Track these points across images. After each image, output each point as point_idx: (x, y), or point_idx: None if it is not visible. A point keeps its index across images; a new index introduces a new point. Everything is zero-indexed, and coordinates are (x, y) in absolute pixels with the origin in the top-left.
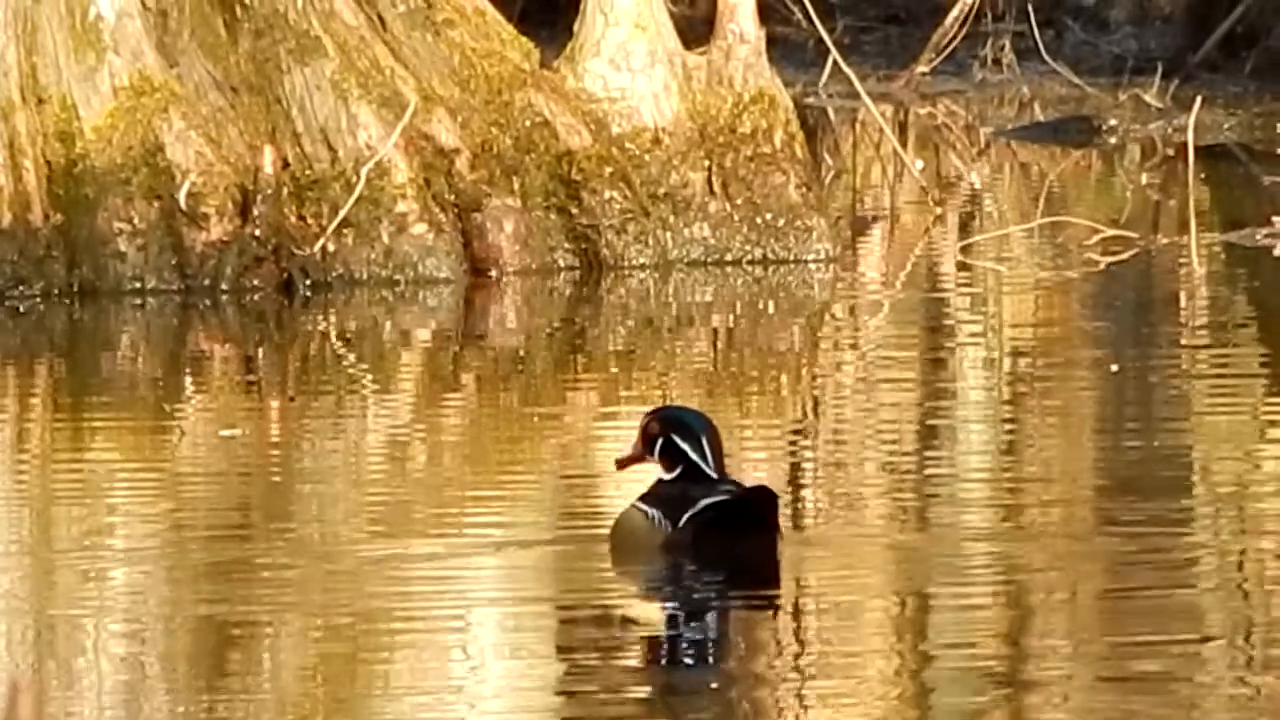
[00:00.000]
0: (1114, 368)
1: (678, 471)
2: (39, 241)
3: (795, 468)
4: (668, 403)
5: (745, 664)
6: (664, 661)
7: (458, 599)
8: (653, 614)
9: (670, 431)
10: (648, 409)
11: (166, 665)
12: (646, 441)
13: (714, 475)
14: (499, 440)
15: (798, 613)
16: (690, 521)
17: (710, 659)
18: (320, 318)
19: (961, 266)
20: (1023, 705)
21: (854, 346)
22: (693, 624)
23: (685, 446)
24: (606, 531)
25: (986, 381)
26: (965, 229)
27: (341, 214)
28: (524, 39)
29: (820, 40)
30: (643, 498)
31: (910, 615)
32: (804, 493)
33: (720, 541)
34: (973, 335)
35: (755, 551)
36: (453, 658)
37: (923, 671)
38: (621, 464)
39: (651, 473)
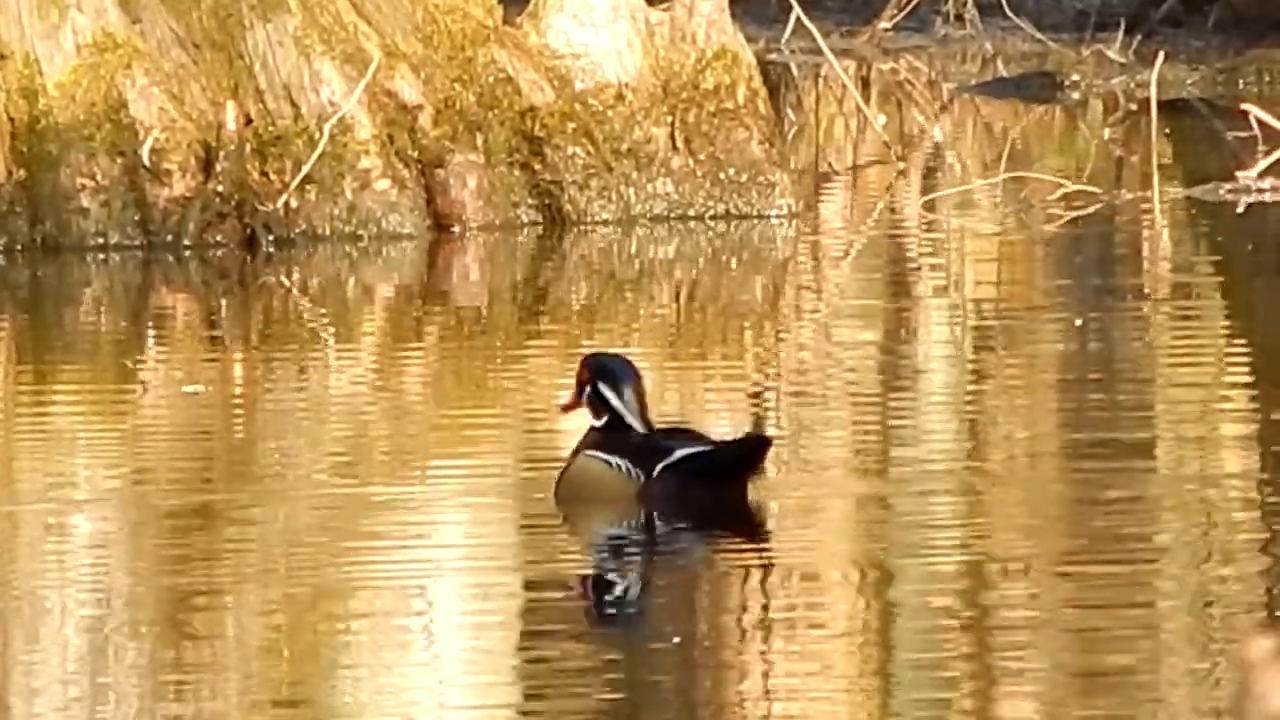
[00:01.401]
0: (1078, 321)
1: (604, 419)
2: (2, 198)
3: (758, 421)
4: (599, 349)
5: (707, 623)
6: (623, 621)
7: (422, 552)
8: (618, 572)
9: (596, 378)
10: (583, 360)
11: (130, 627)
12: (579, 387)
13: (638, 425)
14: (462, 395)
15: (764, 571)
16: (668, 471)
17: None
18: (283, 273)
19: (925, 222)
20: (988, 663)
21: (817, 301)
22: (654, 581)
23: (609, 394)
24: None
25: (950, 335)
26: (928, 184)
27: (304, 170)
28: None
29: None
30: (591, 445)
31: (873, 570)
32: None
33: (699, 490)
34: (936, 290)
35: (726, 497)
36: (414, 622)
37: (888, 628)
38: (563, 408)
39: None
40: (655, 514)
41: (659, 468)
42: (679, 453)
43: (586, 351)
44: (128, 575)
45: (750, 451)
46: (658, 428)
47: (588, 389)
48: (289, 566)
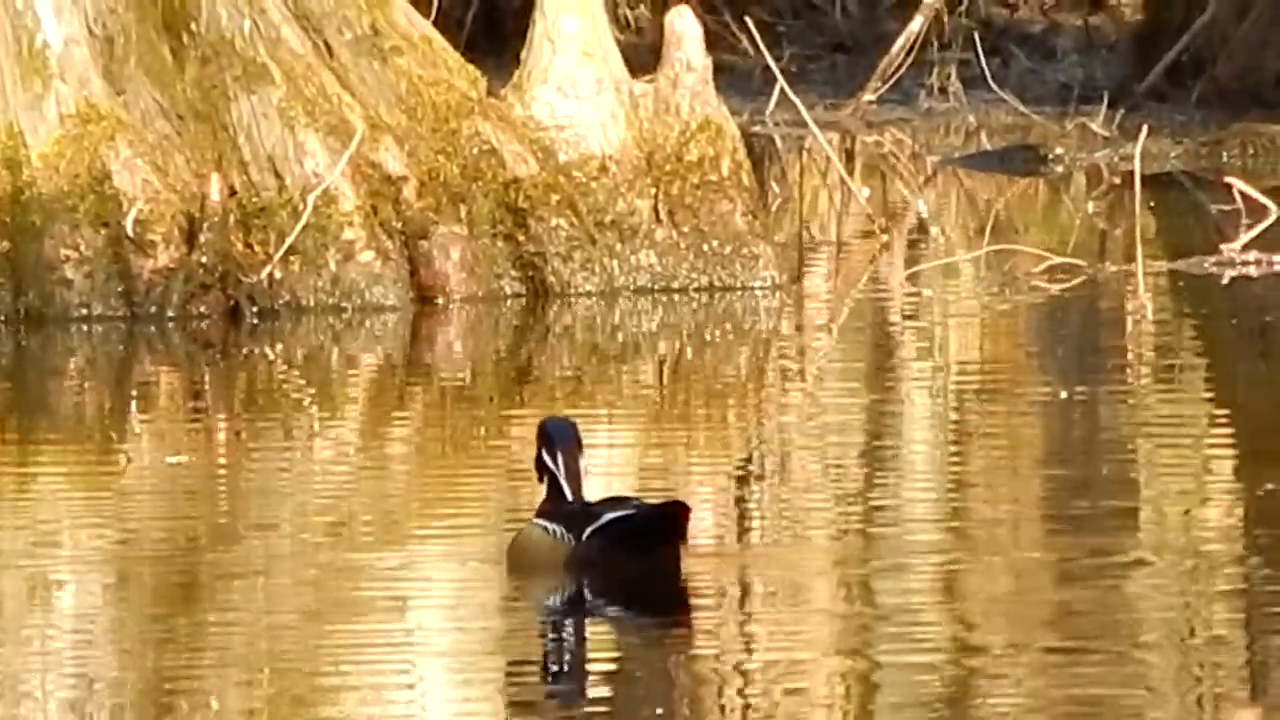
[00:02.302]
0: (1063, 394)
1: (546, 485)
2: None
3: (741, 494)
4: (554, 415)
5: (691, 684)
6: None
7: (403, 622)
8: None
9: (539, 443)
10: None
11: (114, 682)
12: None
13: (567, 491)
14: (445, 465)
15: (742, 628)
16: (595, 535)
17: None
18: (267, 345)
19: (908, 294)
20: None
21: (800, 373)
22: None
23: (547, 459)
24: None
25: (933, 408)
26: (912, 256)
27: (288, 241)
28: (471, 67)
29: (767, 68)
30: (540, 512)
31: (853, 635)
32: (750, 517)
33: (624, 556)
34: (919, 362)
35: (657, 565)
36: (397, 693)
37: (867, 690)
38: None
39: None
40: (583, 580)
41: (586, 532)
42: (605, 517)
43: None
44: (111, 653)
45: (667, 518)
46: (604, 496)
47: (537, 452)
48: (271, 637)
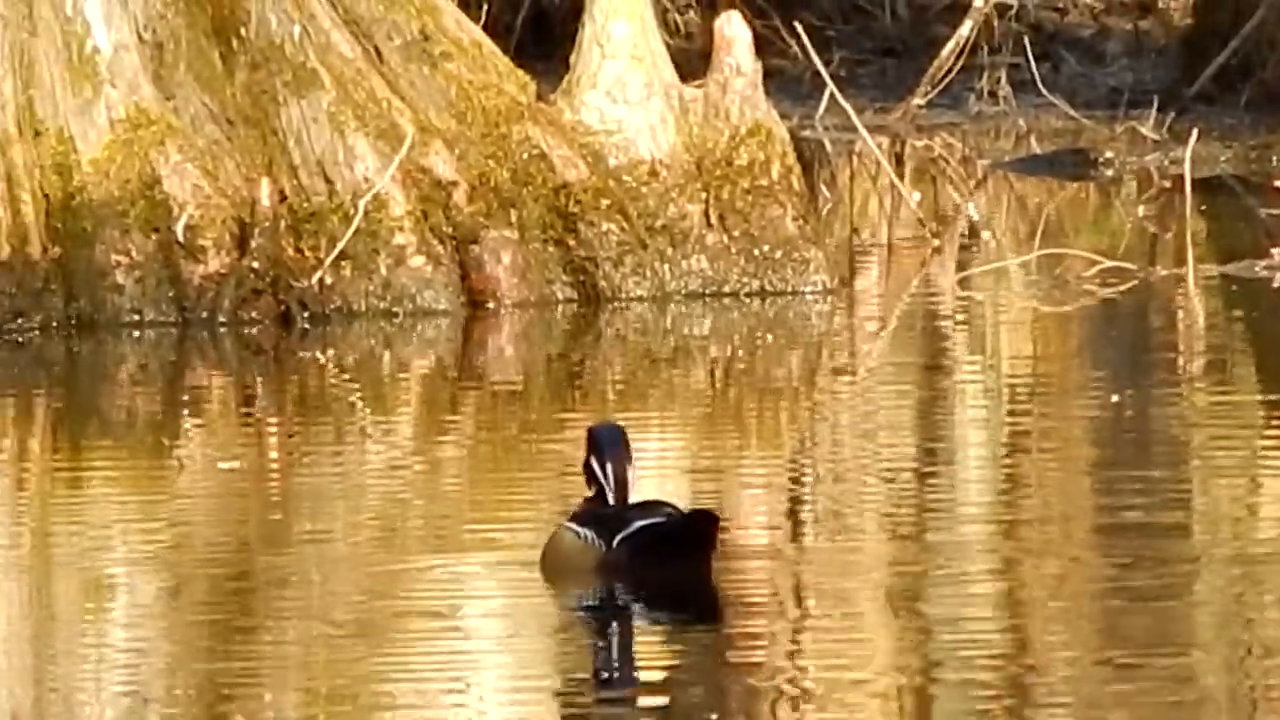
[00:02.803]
0: (1114, 398)
1: (594, 490)
2: (37, 274)
3: (793, 497)
4: (606, 420)
5: (745, 685)
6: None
7: (455, 625)
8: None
9: (588, 448)
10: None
11: (168, 695)
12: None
13: (610, 496)
14: (496, 471)
15: (795, 635)
16: (625, 542)
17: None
18: (318, 350)
19: (959, 299)
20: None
21: (851, 378)
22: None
23: (595, 465)
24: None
25: (985, 413)
26: (962, 261)
27: (339, 246)
28: (521, 72)
29: (817, 73)
30: (574, 516)
31: (908, 636)
32: (802, 520)
33: (654, 563)
34: (970, 367)
35: (687, 573)
36: (449, 700)
37: (920, 692)
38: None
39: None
40: (614, 585)
41: (617, 539)
42: (636, 524)
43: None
44: (163, 660)
45: (696, 527)
46: (638, 500)
47: (586, 458)
48: (324, 644)
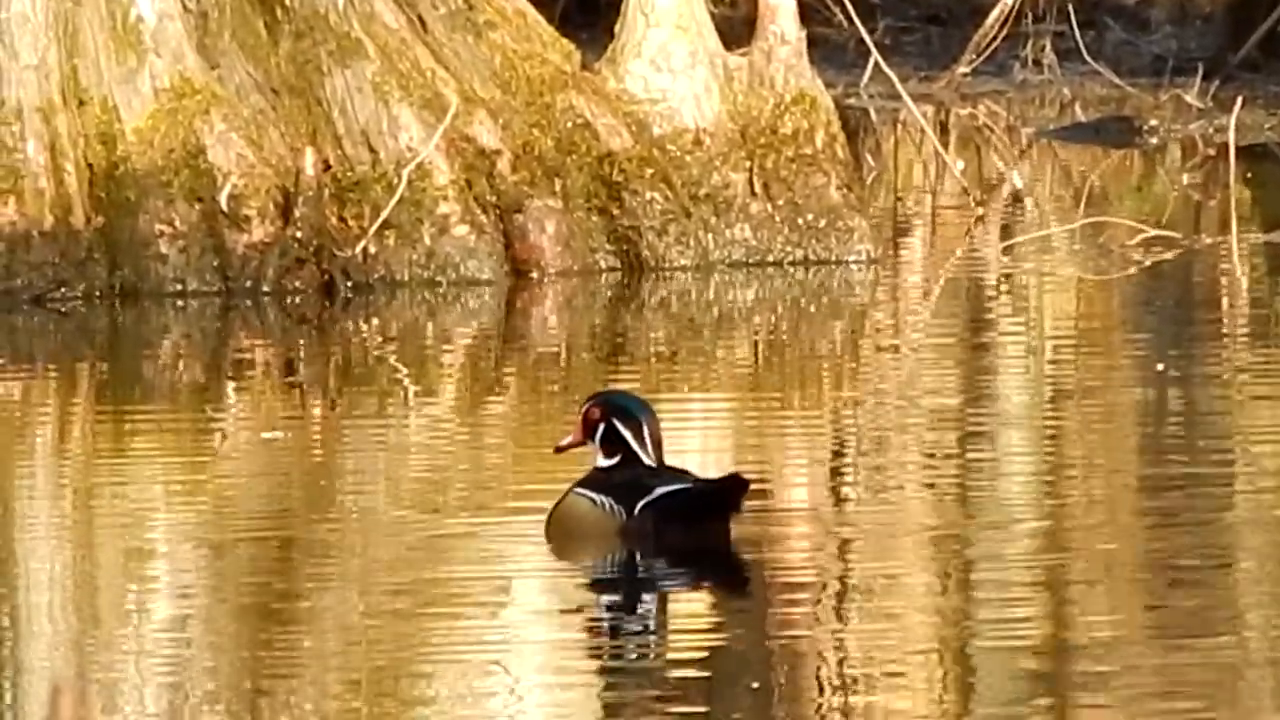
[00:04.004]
0: (1160, 367)
1: (616, 459)
2: (80, 244)
3: (837, 465)
4: (610, 388)
5: (787, 660)
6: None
7: (497, 599)
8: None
9: (612, 416)
10: (589, 398)
11: (210, 667)
12: (587, 427)
13: (651, 464)
14: (541, 439)
15: (839, 601)
16: (648, 508)
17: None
18: (362, 319)
19: (1003, 267)
20: (1063, 696)
21: (895, 347)
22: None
23: (626, 433)
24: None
25: (1028, 380)
26: (1007, 229)
27: (383, 216)
28: (565, 40)
29: (861, 41)
30: (584, 484)
31: (948, 601)
32: (845, 490)
33: (680, 529)
34: (1015, 335)
35: (712, 538)
36: (492, 672)
37: (961, 661)
38: (560, 449)
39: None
40: (636, 552)
41: (639, 505)
42: (658, 490)
43: (599, 391)
44: (206, 634)
45: (727, 492)
46: (649, 466)
47: (601, 428)
48: (368, 617)
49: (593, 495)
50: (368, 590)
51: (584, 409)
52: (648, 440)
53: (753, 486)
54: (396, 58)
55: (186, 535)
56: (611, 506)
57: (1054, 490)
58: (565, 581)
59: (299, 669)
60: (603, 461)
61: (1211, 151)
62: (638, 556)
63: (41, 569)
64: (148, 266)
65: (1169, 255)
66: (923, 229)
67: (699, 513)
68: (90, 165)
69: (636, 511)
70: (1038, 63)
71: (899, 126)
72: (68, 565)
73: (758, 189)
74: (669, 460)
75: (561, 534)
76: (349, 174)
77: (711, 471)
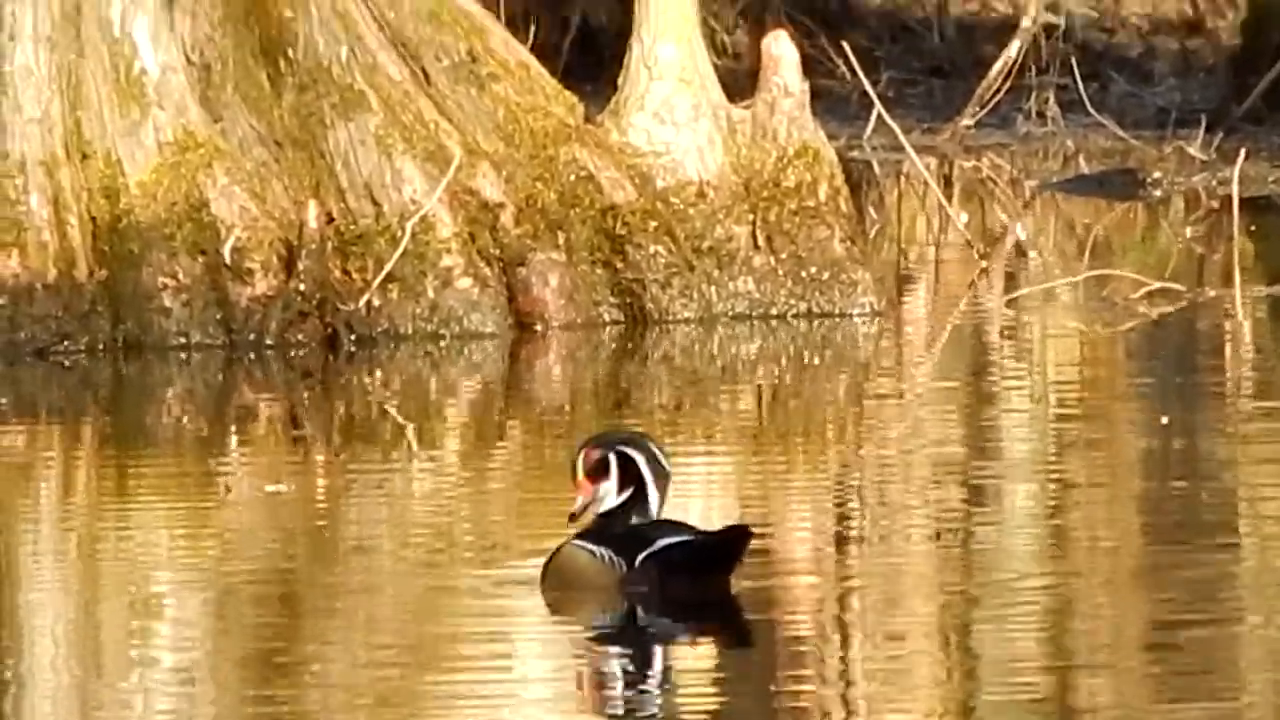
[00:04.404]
0: (1164, 420)
1: (629, 492)
2: (84, 296)
3: (841, 517)
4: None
5: (793, 709)
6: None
7: (502, 650)
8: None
9: (617, 446)
10: (580, 446)
11: (213, 718)
12: (592, 469)
13: (656, 499)
14: (544, 492)
15: (842, 657)
16: (650, 560)
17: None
18: (365, 372)
19: (1007, 319)
20: None
21: (899, 398)
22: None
23: (639, 457)
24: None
25: (1032, 433)
26: (1011, 282)
27: (386, 269)
28: (568, 93)
29: (864, 93)
30: (582, 536)
31: (953, 657)
32: (849, 543)
33: (683, 581)
34: (1019, 387)
35: (712, 590)
36: None
37: (965, 716)
38: (575, 516)
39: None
40: (637, 604)
41: (641, 557)
42: (661, 542)
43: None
44: (210, 684)
45: (731, 543)
46: (647, 522)
47: (612, 459)
48: (372, 667)
49: (591, 547)
50: (371, 643)
51: (581, 454)
52: (656, 492)
53: (755, 538)
54: (400, 110)
55: (190, 587)
56: (611, 558)
57: (1058, 543)
58: (567, 635)
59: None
60: (612, 501)
61: (1215, 204)
62: (639, 609)
63: (45, 620)
64: (151, 319)
65: (1173, 308)
66: (926, 281)
67: (702, 565)
68: (94, 218)
69: (638, 563)
70: (1041, 115)
71: (902, 179)
72: (71, 616)
73: (761, 242)
74: (673, 513)
75: (558, 586)
76: (352, 227)
77: (714, 524)
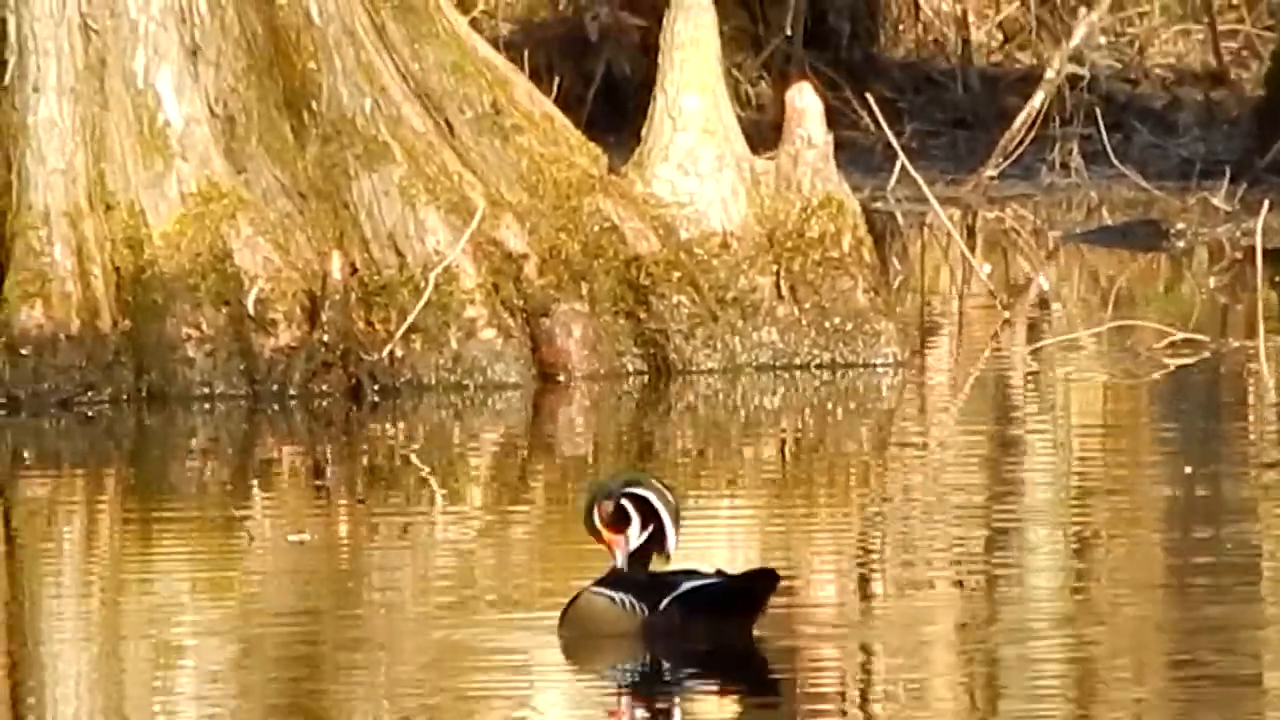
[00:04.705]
0: (1187, 469)
1: (650, 530)
2: (107, 348)
3: (863, 569)
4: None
5: None
6: None
7: (524, 703)
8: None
9: (627, 487)
10: (588, 504)
11: None
12: (616, 520)
13: (671, 531)
14: (566, 544)
15: (866, 704)
16: (673, 605)
17: None
18: (389, 423)
19: (1030, 370)
20: None
21: (922, 449)
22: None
23: (649, 495)
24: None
25: (1055, 483)
26: (1034, 332)
27: (410, 319)
28: (592, 144)
29: (888, 145)
30: (601, 583)
31: (975, 704)
32: (873, 594)
33: (702, 626)
34: (1042, 437)
35: (735, 636)
36: None
37: None
38: (621, 567)
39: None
40: (659, 649)
41: (665, 601)
42: (685, 586)
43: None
44: None
45: (758, 586)
46: (667, 570)
47: (629, 509)
48: (393, 708)
49: (610, 594)
50: (394, 693)
51: (594, 511)
52: (667, 495)
53: (781, 583)
54: (423, 161)
55: (213, 636)
56: (632, 604)
57: (1081, 592)
58: (593, 684)
59: None
60: (634, 541)
61: (1239, 255)
62: (662, 656)
63: (69, 670)
64: (175, 370)
65: (1196, 358)
66: (950, 332)
67: (726, 608)
68: (117, 269)
69: (662, 608)
70: (1065, 166)
71: (926, 230)
72: (95, 666)
73: (784, 292)
74: (696, 562)
75: (577, 632)
76: (376, 277)
77: (739, 570)
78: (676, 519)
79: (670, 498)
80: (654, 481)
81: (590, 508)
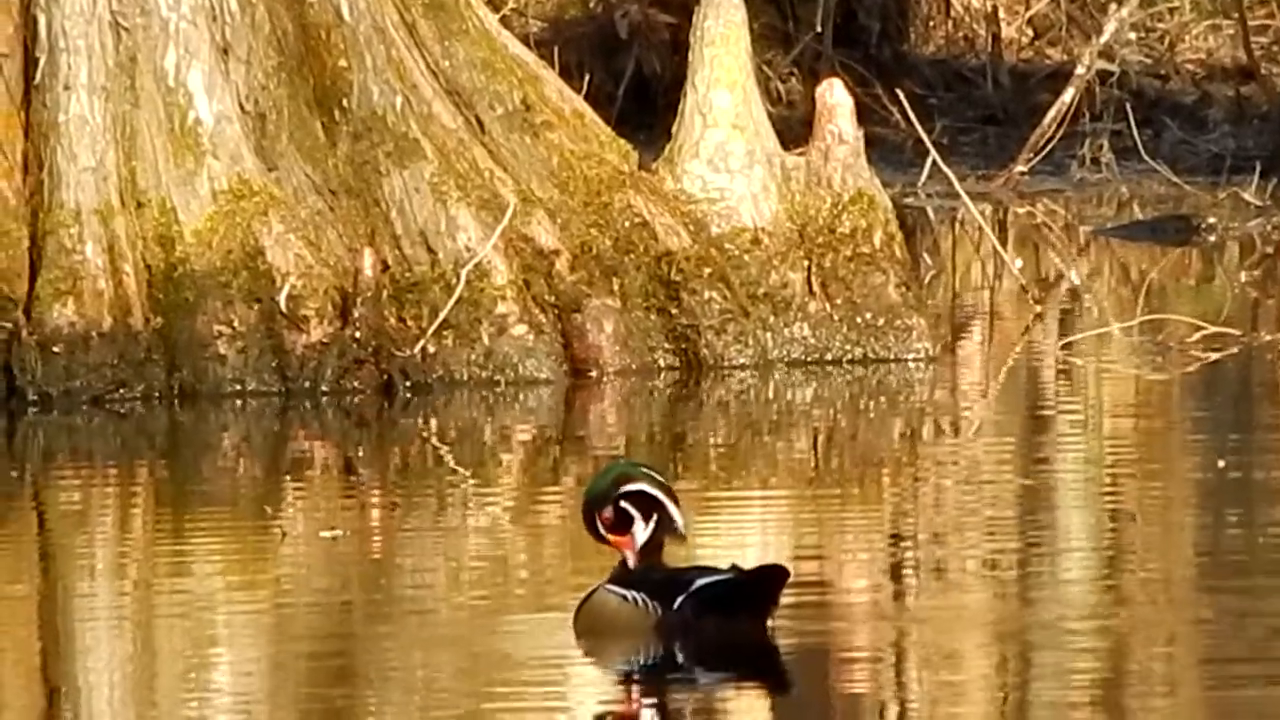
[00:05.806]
0: (1220, 463)
1: (654, 522)
2: (139, 345)
3: (896, 564)
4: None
5: None
6: None
7: (558, 698)
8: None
9: (618, 491)
10: (586, 514)
11: None
12: (619, 524)
13: (676, 512)
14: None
15: (901, 701)
16: (689, 601)
17: None
18: (420, 419)
19: (1061, 365)
20: None
21: (954, 445)
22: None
23: (646, 487)
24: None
25: (1088, 478)
26: (1065, 327)
27: (441, 316)
28: (622, 141)
29: (919, 140)
30: (613, 581)
31: (1007, 701)
32: (906, 589)
33: (722, 622)
34: (1073, 432)
35: (750, 632)
36: None
37: None
38: (639, 558)
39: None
40: (675, 646)
41: (680, 599)
42: (698, 583)
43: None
44: None
45: (769, 582)
46: (681, 566)
47: (628, 508)
48: (425, 704)
49: (623, 591)
50: (427, 690)
51: (595, 521)
52: (657, 477)
53: (791, 576)
54: (454, 158)
55: (246, 634)
56: (645, 602)
57: (1114, 587)
58: (620, 680)
59: None
60: (641, 538)
61: (1269, 249)
62: (679, 652)
63: (101, 667)
64: (206, 367)
65: (1227, 352)
66: (981, 327)
67: (741, 604)
68: (149, 267)
69: (676, 606)
70: (1095, 161)
71: (957, 225)
72: (128, 663)
73: (816, 288)
74: (730, 555)
75: (590, 631)
76: (407, 274)
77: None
78: (675, 499)
79: (662, 479)
80: (641, 469)
81: (591, 520)
